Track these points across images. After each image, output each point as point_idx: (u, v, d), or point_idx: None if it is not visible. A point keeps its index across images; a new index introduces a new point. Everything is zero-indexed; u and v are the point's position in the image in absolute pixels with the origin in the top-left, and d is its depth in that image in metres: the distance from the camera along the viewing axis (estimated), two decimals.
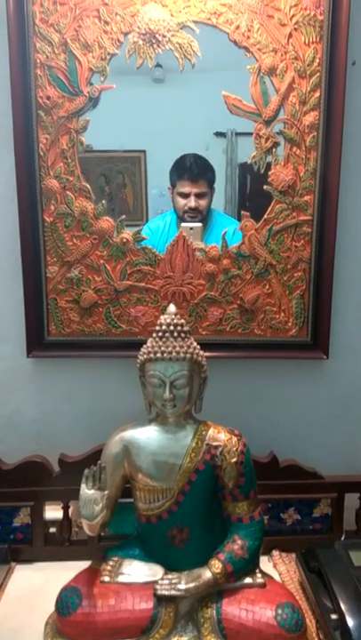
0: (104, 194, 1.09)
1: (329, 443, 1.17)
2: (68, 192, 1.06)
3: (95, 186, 1.08)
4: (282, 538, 1.11)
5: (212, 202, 1.10)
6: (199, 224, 1.09)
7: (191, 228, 1.08)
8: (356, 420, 1.18)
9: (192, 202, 1.08)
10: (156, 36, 1.00)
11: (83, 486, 0.86)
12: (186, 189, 1.08)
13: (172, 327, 0.91)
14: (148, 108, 1.07)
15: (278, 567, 1.06)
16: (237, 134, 1.07)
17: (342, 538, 1.11)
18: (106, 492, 0.86)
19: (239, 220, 1.09)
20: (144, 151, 1.10)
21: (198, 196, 1.09)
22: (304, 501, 1.11)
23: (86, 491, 0.85)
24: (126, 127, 1.08)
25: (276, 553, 1.09)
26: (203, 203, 1.09)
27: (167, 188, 1.10)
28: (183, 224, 1.09)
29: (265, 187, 1.06)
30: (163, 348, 0.90)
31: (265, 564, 1.04)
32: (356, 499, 1.13)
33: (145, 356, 0.92)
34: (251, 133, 1.04)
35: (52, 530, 1.14)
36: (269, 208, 1.07)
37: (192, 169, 1.07)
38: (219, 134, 1.08)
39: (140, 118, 1.07)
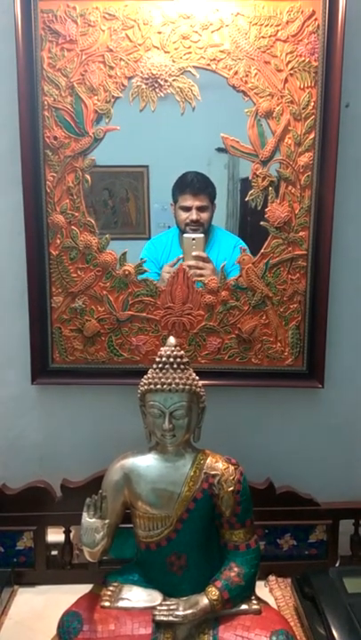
0: (107, 207, 1.12)
1: (324, 469, 1.20)
2: (73, 227, 1.11)
3: (98, 199, 1.11)
4: (278, 563, 1.14)
5: (212, 217, 1.13)
6: (201, 235, 1.12)
7: (193, 239, 1.11)
8: (351, 448, 1.21)
9: (194, 215, 1.11)
10: (159, 80, 1.06)
11: (84, 515, 0.89)
12: (188, 203, 1.11)
13: (171, 359, 0.95)
14: (152, 124, 1.09)
15: (274, 592, 1.08)
16: None
17: (337, 563, 1.14)
18: (107, 521, 0.89)
19: (240, 234, 1.13)
20: (147, 166, 1.13)
21: (200, 209, 1.12)
22: (300, 527, 1.14)
23: (88, 519, 0.88)
24: (130, 143, 1.11)
25: (272, 578, 1.11)
26: (204, 216, 1.12)
27: (170, 204, 1.13)
28: (185, 235, 1.12)
29: (262, 223, 1.10)
30: (162, 380, 0.94)
31: (261, 588, 1.07)
32: (351, 524, 1.16)
33: (145, 387, 0.95)
34: None
35: (54, 552, 1.17)
36: (266, 243, 1.11)
37: (193, 183, 1.11)
38: (220, 150, 1.10)
39: (143, 134, 1.10)
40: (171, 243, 1.15)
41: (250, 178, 1.09)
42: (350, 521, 1.15)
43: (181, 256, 1.13)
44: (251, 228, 1.13)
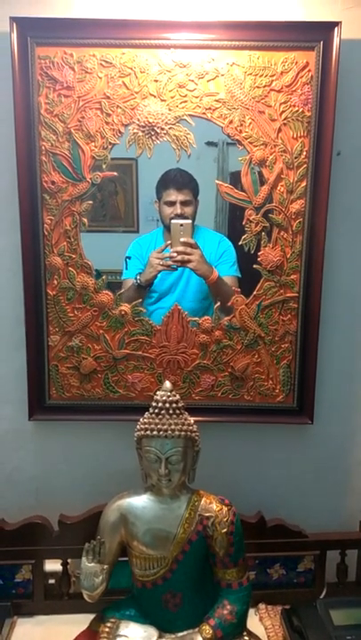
0: (96, 200, 1.12)
1: (313, 502, 1.25)
2: (70, 268, 1.13)
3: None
4: (268, 591, 1.18)
5: (196, 212, 1.14)
6: (189, 221, 1.12)
7: (181, 225, 1.12)
8: (338, 481, 1.26)
9: (178, 209, 1.12)
10: (155, 128, 1.07)
11: (83, 559, 0.92)
12: (172, 197, 1.12)
13: (167, 404, 0.98)
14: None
15: (264, 621, 1.13)
16: (228, 144, 1.10)
17: (324, 591, 1.19)
18: (105, 567, 0.92)
19: (227, 232, 1.14)
20: (135, 159, 1.12)
21: (184, 203, 1.12)
22: (289, 558, 1.19)
23: (87, 564, 0.92)
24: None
25: (262, 606, 1.16)
26: (188, 210, 1.13)
27: (153, 201, 1.14)
28: (173, 221, 1.11)
29: (255, 266, 1.13)
30: (159, 426, 0.97)
31: (251, 616, 1.11)
32: (338, 554, 1.21)
33: (142, 432, 0.98)
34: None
35: (51, 581, 1.20)
36: (258, 285, 1.14)
37: (177, 179, 1.11)
38: (210, 144, 1.11)
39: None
40: (155, 240, 1.16)
41: (243, 224, 1.11)
42: (337, 551, 1.20)
43: (169, 242, 1.13)
44: (244, 270, 1.15)
